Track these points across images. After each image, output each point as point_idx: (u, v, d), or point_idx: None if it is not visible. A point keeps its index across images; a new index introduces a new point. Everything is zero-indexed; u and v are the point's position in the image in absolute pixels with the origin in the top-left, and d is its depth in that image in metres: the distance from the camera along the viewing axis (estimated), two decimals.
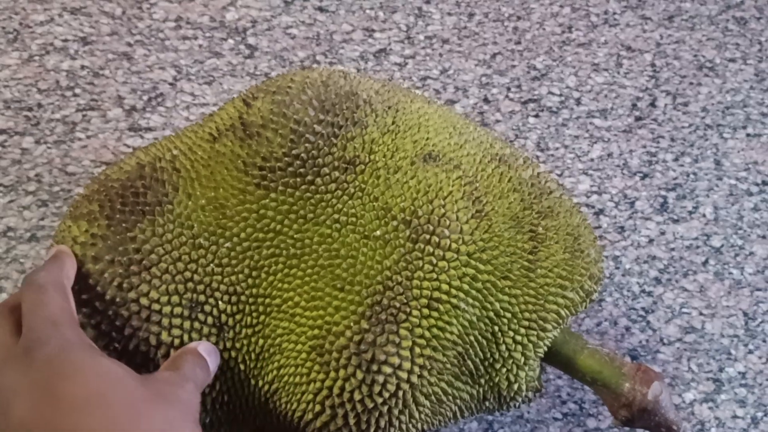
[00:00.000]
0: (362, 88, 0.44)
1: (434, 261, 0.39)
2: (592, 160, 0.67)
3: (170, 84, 0.65)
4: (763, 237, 0.63)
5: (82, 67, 0.65)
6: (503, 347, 0.41)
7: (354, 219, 0.40)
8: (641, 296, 0.58)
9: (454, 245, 0.39)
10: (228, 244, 0.40)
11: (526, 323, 0.41)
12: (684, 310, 0.57)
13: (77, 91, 0.64)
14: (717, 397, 0.53)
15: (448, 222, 0.40)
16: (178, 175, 0.41)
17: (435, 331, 0.39)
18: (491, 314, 0.40)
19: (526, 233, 0.42)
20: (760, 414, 0.52)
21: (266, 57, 0.70)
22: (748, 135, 0.72)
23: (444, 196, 0.40)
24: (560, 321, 0.42)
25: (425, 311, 0.39)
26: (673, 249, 0.61)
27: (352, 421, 0.39)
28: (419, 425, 0.41)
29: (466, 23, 0.78)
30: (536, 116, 0.70)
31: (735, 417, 0.52)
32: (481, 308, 0.40)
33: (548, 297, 0.41)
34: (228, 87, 0.66)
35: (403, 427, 0.40)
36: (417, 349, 0.39)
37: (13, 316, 0.36)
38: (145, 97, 0.64)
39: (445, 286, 0.39)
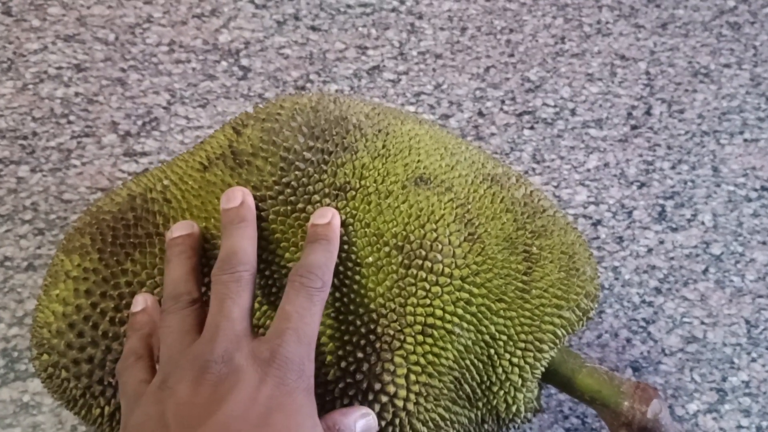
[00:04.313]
0: (352, 112, 0.44)
1: (427, 286, 0.39)
2: (588, 170, 0.67)
3: (164, 108, 0.66)
4: (764, 243, 0.63)
5: (77, 94, 0.66)
6: (500, 370, 0.40)
7: (346, 246, 0.39)
8: (642, 307, 0.57)
9: (447, 270, 0.39)
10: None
11: (523, 345, 0.41)
12: (685, 319, 0.57)
13: (72, 118, 0.64)
14: (721, 408, 0.52)
15: (440, 246, 0.39)
16: (169, 206, 0.41)
17: (430, 357, 0.39)
18: (487, 338, 0.40)
19: (520, 254, 0.42)
20: (765, 423, 0.52)
21: (260, 78, 0.70)
22: (745, 140, 0.71)
23: (436, 220, 0.40)
24: (557, 341, 0.42)
25: (420, 338, 0.38)
26: (672, 258, 0.61)
27: None
28: None
29: (458, 37, 0.78)
30: (531, 128, 0.69)
31: (740, 427, 0.52)
32: (476, 332, 0.40)
33: (544, 318, 0.41)
34: (222, 109, 0.67)
35: None
36: (412, 377, 0.38)
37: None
38: (140, 122, 0.64)
39: (439, 312, 0.39)
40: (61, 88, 0.66)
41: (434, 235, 0.40)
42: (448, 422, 0.40)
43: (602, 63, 0.77)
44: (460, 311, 0.39)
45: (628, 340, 0.56)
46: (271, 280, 0.40)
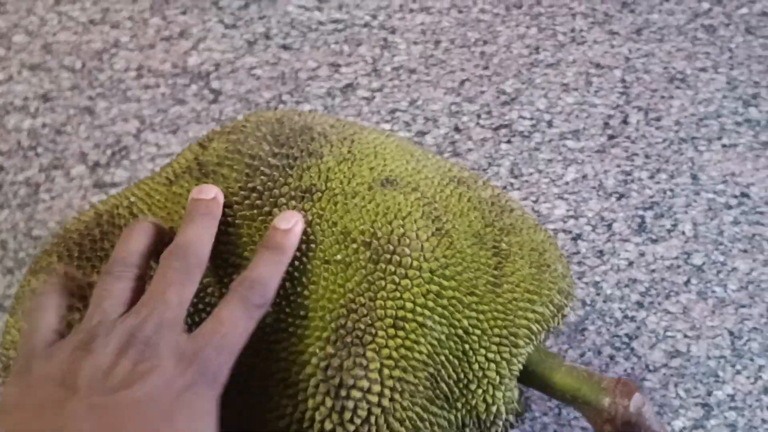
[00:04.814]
0: (317, 123, 0.44)
1: (397, 280, 0.39)
2: (566, 183, 0.66)
3: (134, 136, 0.64)
4: (745, 251, 0.62)
5: (44, 125, 0.64)
6: (476, 366, 0.40)
7: (313, 245, 0.39)
8: (624, 322, 0.57)
9: (415, 263, 0.39)
10: None
11: (497, 339, 0.40)
12: (668, 333, 0.56)
13: (39, 150, 0.63)
14: (707, 423, 0.52)
15: (408, 241, 0.39)
16: (135, 219, 0.41)
17: (403, 351, 0.38)
18: (460, 332, 0.39)
19: (489, 249, 0.41)
20: None
21: (231, 100, 0.69)
22: (723, 146, 0.71)
23: (403, 216, 0.40)
24: (532, 337, 0.41)
25: (391, 331, 0.38)
26: (653, 270, 0.60)
27: None
28: None
29: (432, 51, 0.77)
30: (508, 142, 0.69)
31: None
32: (449, 326, 0.39)
33: (517, 312, 0.41)
34: (193, 135, 0.66)
35: None
36: (386, 371, 0.38)
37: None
38: (109, 152, 0.63)
39: (409, 305, 0.38)
40: (27, 119, 0.65)
41: (401, 230, 0.40)
42: (427, 423, 0.40)
43: (577, 72, 0.76)
44: (430, 303, 0.39)
45: (612, 357, 0.55)
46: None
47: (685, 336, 0.56)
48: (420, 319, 0.38)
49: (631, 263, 0.60)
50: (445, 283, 0.39)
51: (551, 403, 0.52)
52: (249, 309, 0.37)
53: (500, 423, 0.41)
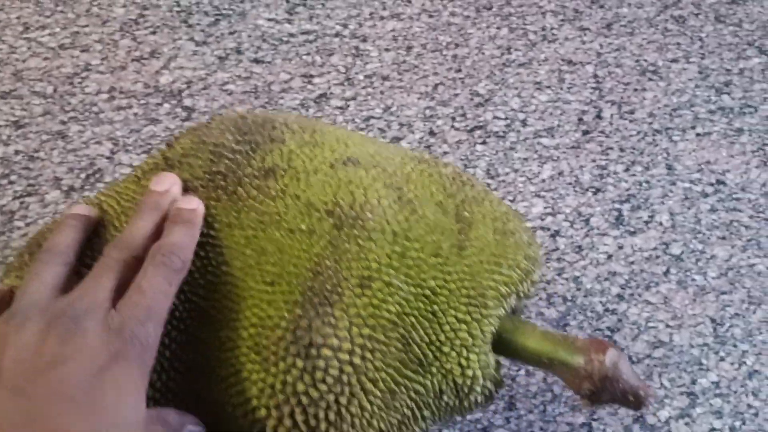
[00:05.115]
0: (279, 116, 0.46)
1: (361, 242, 0.39)
2: (543, 180, 0.66)
3: (107, 158, 0.64)
4: (723, 238, 0.62)
5: (17, 152, 0.64)
6: (447, 327, 0.40)
7: (278, 218, 0.40)
8: (605, 315, 0.57)
9: (378, 226, 0.40)
10: None
11: (465, 300, 0.40)
12: (650, 324, 0.56)
13: (13, 177, 0.62)
14: (693, 412, 0.52)
15: (370, 207, 0.40)
16: (105, 214, 0.42)
17: (371, 309, 0.38)
18: (427, 292, 0.40)
19: (452, 216, 0.42)
20: (738, 423, 0.51)
21: (204, 117, 0.69)
22: (697, 135, 0.71)
23: (365, 187, 0.41)
24: (501, 299, 0.42)
25: (358, 290, 0.38)
26: (632, 262, 0.60)
27: (300, 419, 0.37)
28: (374, 421, 0.39)
29: (404, 57, 0.77)
30: (483, 143, 0.69)
31: (713, 430, 0.51)
32: (415, 286, 0.40)
33: (483, 274, 0.41)
34: None
35: (356, 421, 0.38)
36: (355, 329, 0.38)
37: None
38: (83, 175, 0.63)
39: (374, 264, 0.39)
40: (0, 147, 0.65)
41: (363, 198, 0.41)
42: (403, 388, 0.39)
43: (550, 70, 0.77)
44: (395, 263, 0.39)
45: None
46: (206, 260, 0.40)
47: (667, 326, 0.56)
48: (386, 278, 0.39)
49: (610, 257, 0.60)
50: (408, 244, 0.40)
51: (536, 400, 0.52)
52: (168, 275, 0.37)
53: (478, 389, 0.41)
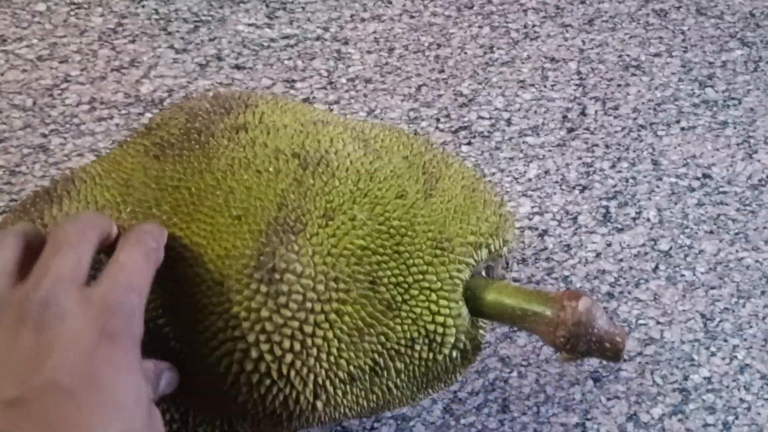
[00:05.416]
0: (254, 94, 0.48)
1: (325, 178, 0.40)
2: (529, 180, 0.66)
3: None
4: (711, 232, 0.62)
5: None
6: (414, 269, 0.40)
7: (246, 162, 0.41)
8: None
9: (342, 166, 0.41)
10: (129, 209, 0.40)
11: (431, 243, 0.40)
12: (641, 321, 0.56)
13: None
14: (685, 408, 0.52)
15: (335, 150, 0.42)
16: (87, 173, 0.43)
17: (334, 240, 0.39)
18: (392, 231, 0.40)
19: (419, 169, 0.43)
20: (731, 418, 0.51)
21: None
22: (682, 129, 0.71)
23: (331, 136, 0.43)
24: (469, 246, 0.41)
25: (321, 221, 0.39)
26: (621, 260, 0.60)
27: (265, 348, 0.37)
28: (342, 361, 0.38)
29: (387, 59, 0.77)
30: (469, 143, 0.69)
31: (706, 425, 0.51)
32: (379, 223, 0.40)
33: (450, 220, 0.42)
34: None
35: (323, 356, 0.38)
36: (318, 258, 0.38)
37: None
38: None
39: (338, 200, 0.40)
40: None
41: (328, 143, 0.42)
42: (372, 330, 0.39)
43: (533, 68, 0.76)
44: (359, 200, 0.40)
45: None
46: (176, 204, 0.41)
47: (658, 322, 0.56)
48: (350, 212, 0.40)
49: (598, 254, 0.60)
50: (372, 184, 0.41)
51: (529, 402, 0.52)
52: (147, 253, 0.36)
53: (451, 339, 0.41)
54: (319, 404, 0.39)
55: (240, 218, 0.39)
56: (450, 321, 0.40)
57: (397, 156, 0.43)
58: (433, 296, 0.40)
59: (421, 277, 0.40)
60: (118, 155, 0.44)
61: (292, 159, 0.41)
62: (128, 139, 0.46)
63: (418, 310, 0.40)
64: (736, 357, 0.54)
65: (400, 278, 0.40)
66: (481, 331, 0.44)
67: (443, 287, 0.40)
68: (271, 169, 0.40)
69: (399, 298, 0.40)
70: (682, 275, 0.59)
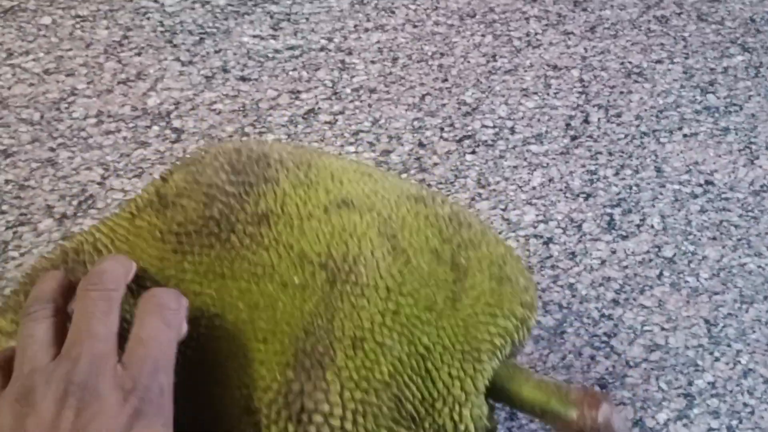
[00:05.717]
0: (274, 150, 0.45)
1: (353, 299, 0.39)
2: (534, 188, 0.66)
3: (99, 183, 0.64)
4: (714, 239, 0.63)
5: (7, 182, 0.64)
6: (440, 384, 0.40)
7: (271, 270, 0.39)
8: (602, 321, 0.57)
9: (371, 282, 0.39)
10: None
11: (460, 355, 0.40)
12: (645, 327, 0.57)
13: (4, 207, 0.62)
14: (690, 413, 0.52)
15: (363, 260, 0.40)
16: (99, 254, 0.42)
17: (363, 372, 0.38)
18: (421, 349, 0.39)
19: (447, 264, 0.42)
20: (734, 422, 0.52)
21: (194, 138, 0.69)
22: (684, 136, 0.72)
23: (358, 236, 0.41)
24: (495, 351, 0.41)
25: (350, 352, 0.38)
26: (626, 267, 0.61)
27: None
28: None
29: (390, 68, 0.77)
30: (473, 152, 0.69)
31: (711, 429, 0.51)
32: (408, 344, 0.39)
33: (479, 326, 0.41)
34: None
35: None
36: (347, 393, 0.37)
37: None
38: (75, 202, 0.63)
39: (367, 324, 0.38)
40: None
41: (357, 250, 0.40)
42: None
43: (535, 76, 0.77)
44: (388, 322, 0.39)
45: (592, 358, 0.55)
46: (198, 312, 0.40)
47: (662, 329, 0.57)
48: (379, 338, 0.38)
49: (603, 262, 0.61)
50: (402, 300, 0.39)
51: None
52: (166, 317, 0.37)
53: None
54: None
55: (266, 341, 0.38)
56: (471, 426, 0.41)
57: (426, 252, 0.42)
58: (458, 408, 0.40)
59: (446, 391, 0.40)
60: (131, 232, 0.42)
61: (320, 270, 0.39)
62: (139, 203, 0.44)
63: (441, 422, 0.40)
64: (739, 362, 0.55)
65: (426, 393, 0.39)
66: (495, 413, 0.44)
67: (468, 398, 0.40)
68: (296, 281, 0.39)
69: (423, 413, 0.40)
70: (686, 281, 0.60)
